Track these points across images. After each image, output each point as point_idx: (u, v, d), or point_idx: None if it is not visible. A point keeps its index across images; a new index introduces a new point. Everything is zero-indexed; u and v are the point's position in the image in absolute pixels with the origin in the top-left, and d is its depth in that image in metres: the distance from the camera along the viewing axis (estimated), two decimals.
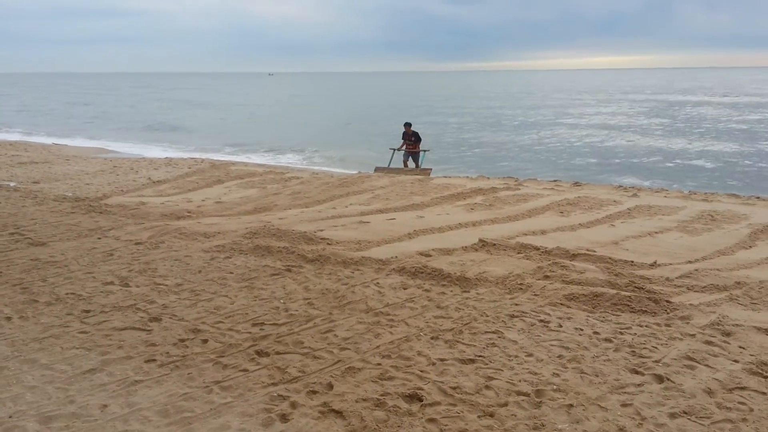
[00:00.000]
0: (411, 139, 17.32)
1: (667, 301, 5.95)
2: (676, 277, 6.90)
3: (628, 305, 5.84)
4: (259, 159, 21.79)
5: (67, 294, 6.13)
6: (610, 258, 7.58)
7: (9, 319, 5.48)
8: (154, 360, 4.67)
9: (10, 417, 3.85)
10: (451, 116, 44.93)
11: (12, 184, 13.18)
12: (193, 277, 6.69)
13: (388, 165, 16.98)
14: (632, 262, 7.53)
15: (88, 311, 5.67)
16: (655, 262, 7.57)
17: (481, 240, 8.24)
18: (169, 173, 15.49)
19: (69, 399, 4.08)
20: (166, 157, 20.10)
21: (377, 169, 16.51)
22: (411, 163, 17.38)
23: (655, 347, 4.92)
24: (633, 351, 4.84)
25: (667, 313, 5.69)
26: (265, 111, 52.70)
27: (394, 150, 17.52)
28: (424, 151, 17.69)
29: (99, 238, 8.37)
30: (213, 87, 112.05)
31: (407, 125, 17.27)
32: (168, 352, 4.80)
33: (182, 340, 5.02)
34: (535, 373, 4.46)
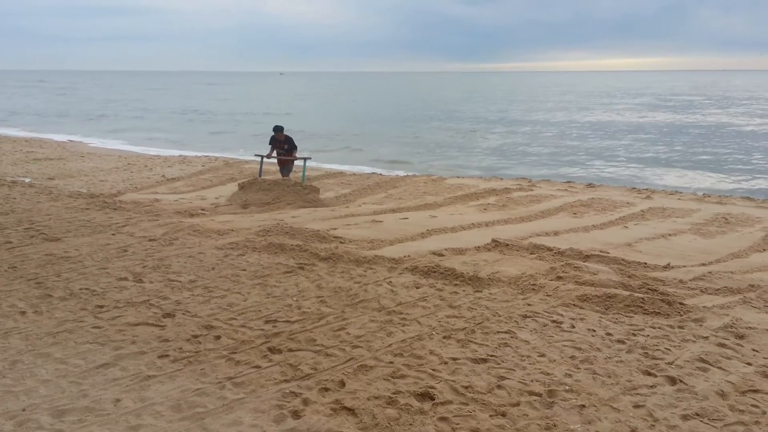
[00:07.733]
0: (284, 147, 13.04)
1: (681, 303, 5.92)
2: (690, 280, 6.86)
3: (641, 307, 5.81)
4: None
5: (81, 289, 6.17)
6: (623, 259, 7.55)
7: (23, 313, 5.53)
8: (167, 355, 4.70)
9: (24, 410, 3.88)
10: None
11: (27, 180, 13.30)
12: (207, 274, 6.72)
13: (259, 175, 13.08)
14: (645, 263, 7.50)
15: (101, 306, 5.71)
16: (668, 264, 7.53)
17: (494, 240, 8.22)
18: (182, 171, 15.57)
19: (82, 393, 4.11)
20: (180, 155, 20.19)
21: (241, 188, 12.28)
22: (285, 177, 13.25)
23: (668, 349, 4.89)
24: (646, 352, 4.82)
25: (680, 315, 5.66)
26: (276, 110, 52.04)
27: (263, 157, 13.20)
28: (305, 159, 13.20)
29: (113, 235, 8.42)
30: (225, 85, 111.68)
31: (277, 129, 12.95)
32: (181, 348, 4.83)
33: (195, 336, 5.05)
34: (548, 374, 4.45)
